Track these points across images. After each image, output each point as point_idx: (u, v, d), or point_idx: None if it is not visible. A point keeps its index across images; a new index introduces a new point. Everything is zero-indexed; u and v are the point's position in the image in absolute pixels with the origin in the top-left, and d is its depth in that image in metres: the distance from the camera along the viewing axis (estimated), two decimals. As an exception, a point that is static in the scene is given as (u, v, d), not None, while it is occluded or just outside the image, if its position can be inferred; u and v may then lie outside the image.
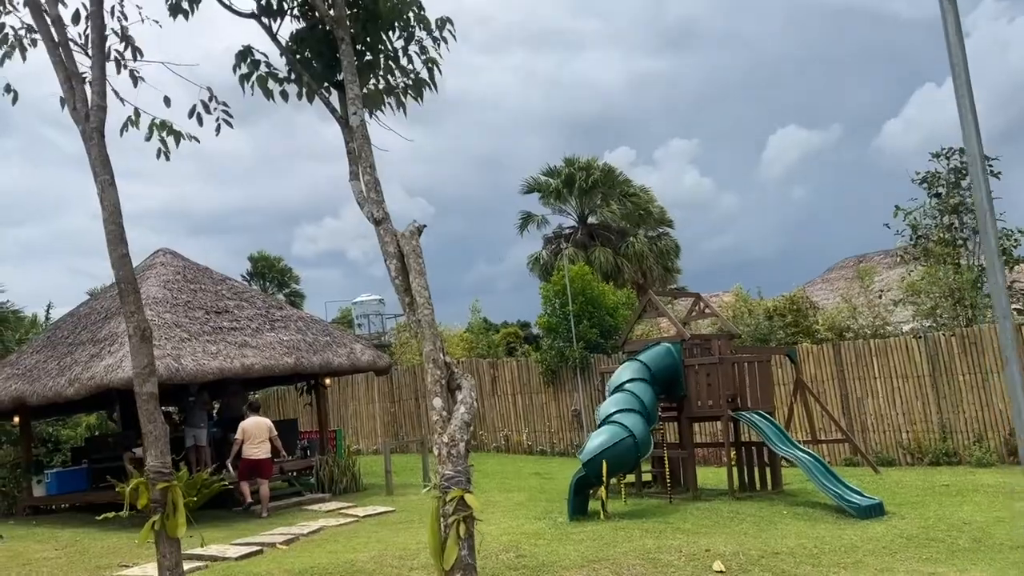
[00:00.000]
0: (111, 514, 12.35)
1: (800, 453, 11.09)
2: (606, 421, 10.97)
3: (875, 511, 10.07)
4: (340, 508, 12.73)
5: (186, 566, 8.85)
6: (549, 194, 31.99)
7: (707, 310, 13.42)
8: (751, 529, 9.65)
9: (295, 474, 15.00)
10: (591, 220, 33.10)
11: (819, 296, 24.10)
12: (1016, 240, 16.85)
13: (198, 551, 9.45)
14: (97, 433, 18.10)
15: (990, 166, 17.42)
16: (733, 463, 12.07)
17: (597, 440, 10.64)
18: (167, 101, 5.77)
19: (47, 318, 22.85)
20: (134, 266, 14.87)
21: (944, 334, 15.40)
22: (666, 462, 11.76)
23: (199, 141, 6.19)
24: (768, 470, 12.29)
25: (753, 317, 18.35)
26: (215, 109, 5.94)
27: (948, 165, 17.78)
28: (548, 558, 8.37)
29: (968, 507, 10.36)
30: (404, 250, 5.53)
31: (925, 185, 18.08)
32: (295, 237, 65.54)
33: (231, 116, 6.03)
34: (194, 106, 5.81)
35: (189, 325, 13.24)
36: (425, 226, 5.51)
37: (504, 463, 18.56)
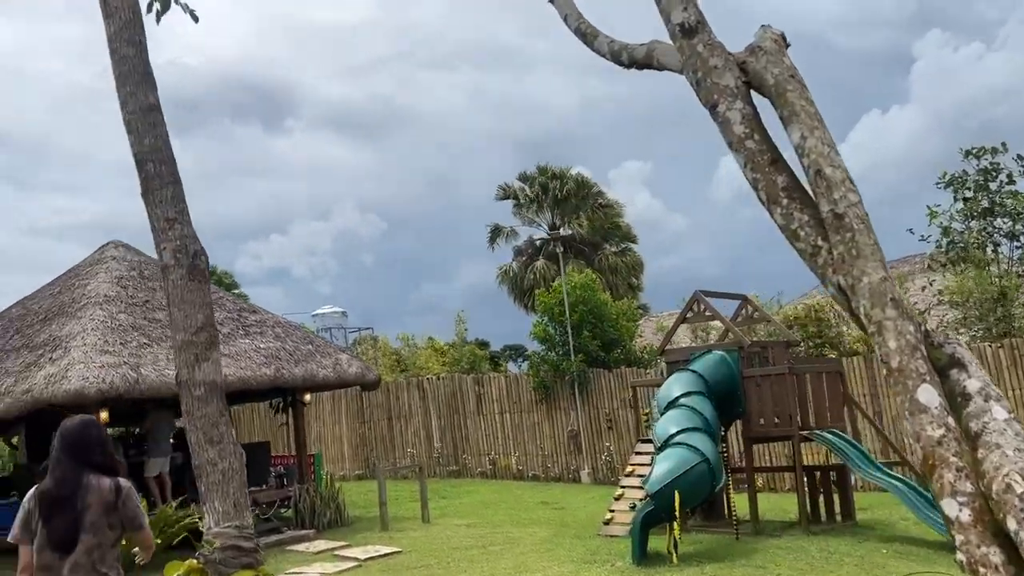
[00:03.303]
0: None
1: (891, 479, 9.46)
2: (669, 443, 9.15)
3: (996, 548, 8.47)
4: (333, 548, 10.60)
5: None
6: (524, 203, 30.37)
7: (756, 314, 11.76)
8: (862, 575, 7.94)
9: (266, 507, 12.73)
10: (563, 232, 31.61)
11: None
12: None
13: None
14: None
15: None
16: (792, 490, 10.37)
17: (664, 466, 8.80)
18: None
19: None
20: (78, 262, 12.47)
21: (991, 345, 14.06)
22: (729, 490, 9.99)
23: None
24: (837, 498, 10.65)
25: (768, 327, 16.82)
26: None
27: (978, 165, 16.62)
28: (646, 621, 6.48)
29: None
30: (764, 79, 2.92)
31: (951, 189, 16.88)
32: (239, 254, 62.36)
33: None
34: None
35: (149, 328, 10.99)
36: (788, 43, 2.95)
37: (500, 491, 16.56)
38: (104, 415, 10.32)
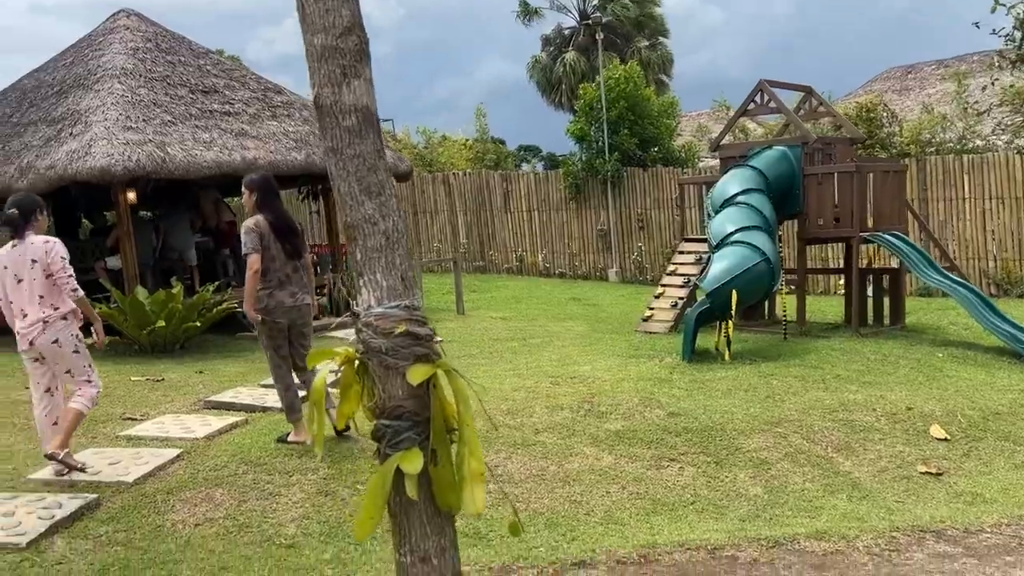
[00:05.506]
0: (90, 340, 9.96)
1: (955, 284, 9.10)
2: (726, 242, 8.71)
3: (1056, 356, 8.24)
4: (372, 337, 10.50)
5: (230, 418, 6.61)
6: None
7: (821, 108, 10.94)
8: (921, 378, 7.74)
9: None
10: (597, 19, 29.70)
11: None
12: None
13: (241, 398, 7.21)
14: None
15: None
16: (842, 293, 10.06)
17: (722, 264, 8.41)
18: None
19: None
20: (88, 32, 11.54)
21: (1054, 152, 13.30)
22: (782, 291, 9.65)
23: None
24: (887, 301, 10.37)
25: (818, 126, 15.92)
26: None
27: (1067, -49, 14.96)
28: (710, 418, 6.31)
29: None
30: None
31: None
32: (248, 39, 59.70)
33: None
34: None
35: (171, 105, 10.28)
36: None
37: (529, 287, 16.47)
38: (132, 196, 9.90)
